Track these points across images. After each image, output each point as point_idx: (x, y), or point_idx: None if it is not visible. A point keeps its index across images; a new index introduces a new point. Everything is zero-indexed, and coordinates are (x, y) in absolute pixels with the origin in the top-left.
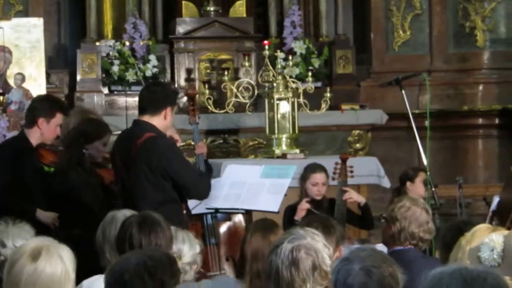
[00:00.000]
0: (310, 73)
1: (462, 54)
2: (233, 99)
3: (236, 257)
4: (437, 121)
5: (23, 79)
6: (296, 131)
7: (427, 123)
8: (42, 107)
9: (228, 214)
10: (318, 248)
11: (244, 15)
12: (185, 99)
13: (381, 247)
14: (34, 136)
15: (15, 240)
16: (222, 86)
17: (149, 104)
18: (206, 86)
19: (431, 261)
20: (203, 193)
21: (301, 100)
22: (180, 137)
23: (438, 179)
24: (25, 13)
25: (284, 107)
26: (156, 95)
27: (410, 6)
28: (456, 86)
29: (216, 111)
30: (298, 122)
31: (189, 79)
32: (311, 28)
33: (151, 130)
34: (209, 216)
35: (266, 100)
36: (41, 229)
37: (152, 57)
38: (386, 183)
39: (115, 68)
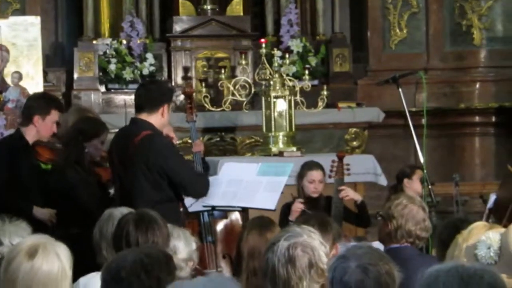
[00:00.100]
0: (307, 71)
1: (459, 52)
2: (230, 97)
3: (233, 255)
4: (434, 119)
5: (20, 77)
6: (293, 129)
7: (423, 121)
8: (37, 104)
9: (225, 212)
10: (314, 245)
11: (241, 13)
12: (182, 97)
13: (377, 245)
14: (30, 134)
15: (12, 238)
16: (219, 84)
17: (146, 102)
18: (203, 84)
19: (428, 259)
20: (200, 191)
21: (298, 98)
22: (177, 135)
23: (434, 176)
24: (22, 12)
25: (281, 105)
26: (153, 93)
27: (406, 4)
28: (452, 84)
29: (213, 109)
30: (295, 120)
31: (186, 77)
32: (308, 27)
33: (148, 128)
34: (205, 214)
35: (263, 98)
36: (38, 227)
37: (149, 56)
38: (383, 181)
39: (112, 67)
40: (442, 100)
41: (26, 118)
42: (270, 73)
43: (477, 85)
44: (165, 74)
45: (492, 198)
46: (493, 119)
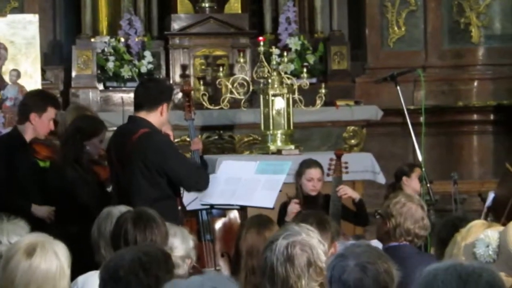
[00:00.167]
0: (305, 69)
1: (457, 50)
2: (228, 95)
3: (232, 253)
4: (432, 117)
5: (18, 75)
6: (291, 127)
7: (422, 119)
8: (33, 102)
9: (223, 210)
10: (313, 244)
11: (239, 11)
12: (180, 95)
13: (376, 243)
14: (27, 132)
15: (10, 237)
16: (217, 82)
17: (145, 100)
18: (201, 82)
19: (426, 257)
20: (201, 185)
21: (296, 96)
22: (175, 133)
23: (433, 175)
24: (20, 10)
25: (279, 103)
26: (152, 91)
27: (405, 2)
28: (451, 82)
29: (211, 107)
30: (293, 118)
31: (184, 75)
32: (306, 24)
33: (146, 126)
34: (204, 212)
35: (261, 96)
36: (36, 225)
37: (147, 54)
38: (381, 179)
39: (110, 65)
40: (440, 98)
41: (23, 116)
42: (268, 71)
43: (475, 83)
44: (163, 72)
45: (491, 196)
46: (491, 117)
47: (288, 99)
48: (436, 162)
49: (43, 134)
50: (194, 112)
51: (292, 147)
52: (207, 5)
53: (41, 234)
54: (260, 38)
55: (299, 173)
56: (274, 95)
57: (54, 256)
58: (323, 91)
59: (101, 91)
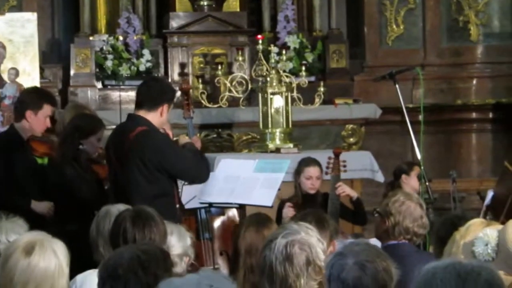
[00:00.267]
0: (303, 68)
1: (456, 48)
2: (227, 93)
3: (230, 252)
4: (430, 115)
5: (17, 73)
6: (290, 126)
7: (421, 117)
8: (29, 99)
9: (222, 209)
10: (312, 243)
11: (238, 9)
12: (179, 93)
13: (374, 242)
14: (24, 129)
15: (9, 235)
16: (215, 81)
17: (146, 99)
18: (200, 80)
19: (425, 256)
20: (203, 175)
21: (295, 94)
22: (174, 132)
23: (432, 173)
24: (18, 8)
25: (278, 102)
26: (154, 91)
27: (403, 0)
28: (449, 80)
29: (210, 105)
30: (292, 116)
31: (182, 74)
32: (305, 23)
33: (143, 124)
34: (203, 211)
35: (260, 95)
36: (35, 224)
37: (145, 52)
38: (380, 177)
39: (109, 63)
40: (439, 96)
41: (19, 114)
42: (267, 70)
43: (474, 81)
44: (162, 70)
45: (490, 194)
46: (490, 115)
47: (286, 98)
48: (435, 160)
49: (39, 132)
50: (192, 111)
51: (291, 145)
52: (205, 3)
53: (39, 232)
54: (259, 36)
55: (297, 172)
56: (273, 94)
57: (53, 255)
58: (322, 89)
59: (99, 89)
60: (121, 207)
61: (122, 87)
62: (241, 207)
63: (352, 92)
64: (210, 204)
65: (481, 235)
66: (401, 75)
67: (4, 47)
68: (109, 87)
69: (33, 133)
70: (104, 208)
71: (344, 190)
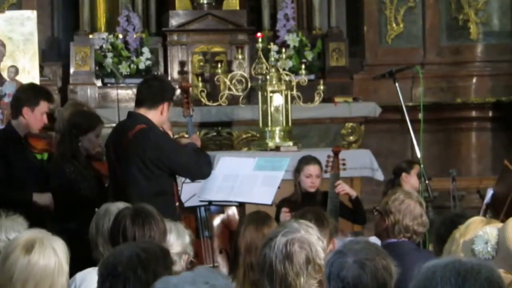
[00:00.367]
0: (303, 66)
1: (456, 47)
2: (227, 91)
3: (230, 250)
4: (430, 114)
5: (16, 71)
6: (290, 124)
7: (420, 115)
8: (26, 96)
9: (221, 207)
10: (312, 241)
11: (237, 8)
12: (178, 91)
13: (374, 240)
14: (21, 126)
15: (8, 233)
16: (215, 79)
17: (146, 97)
18: (199, 78)
19: (425, 254)
20: (204, 171)
21: (295, 92)
22: (174, 130)
23: (431, 171)
24: (18, 6)
25: (278, 100)
26: (155, 89)
27: None
28: (449, 79)
29: (210, 103)
30: (292, 114)
31: (182, 72)
32: (304, 21)
33: (143, 122)
34: (202, 209)
35: (260, 93)
36: (34, 221)
37: (145, 50)
38: (379, 176)
39: (109, 61)
40: (439, 94)
41: (16, 111)
42: (267, 68)
43: (474, 80)
44: (162, 68)
45: (490, 193)
46: (490, 113)
47: (286, 96)
48: (435, 158)
49: (36, 128)
50: (192, 109)
51: (291, 143)
52: (205, 1)
53: (39, 230)
54: (258, 34)
55: (297, 170)
56: (272, 92)
57: (53, 252)
58: (321, 87)
59: (99, 87)
60: (120, 205)
61: (121, 85)
62: (240, 205)
63: (352, 90)
64: (210, 202)
65: (481, 233)
66: (400, 73)
67: (3, 45)
68: (108, 85)
69: (30, 129)
70: (103, 206)
71: (343, 188)
